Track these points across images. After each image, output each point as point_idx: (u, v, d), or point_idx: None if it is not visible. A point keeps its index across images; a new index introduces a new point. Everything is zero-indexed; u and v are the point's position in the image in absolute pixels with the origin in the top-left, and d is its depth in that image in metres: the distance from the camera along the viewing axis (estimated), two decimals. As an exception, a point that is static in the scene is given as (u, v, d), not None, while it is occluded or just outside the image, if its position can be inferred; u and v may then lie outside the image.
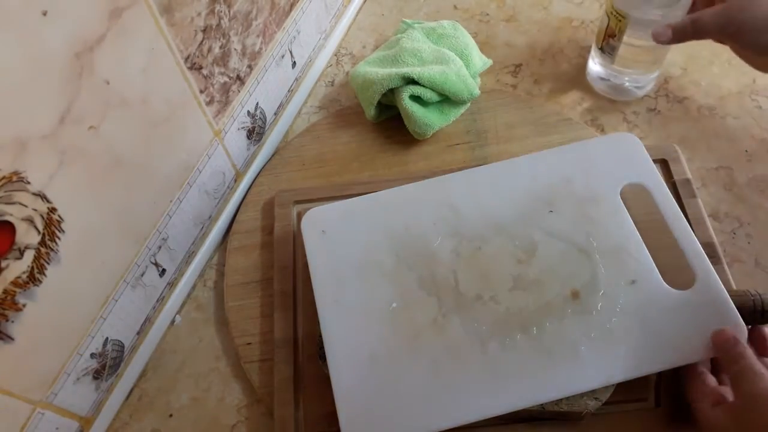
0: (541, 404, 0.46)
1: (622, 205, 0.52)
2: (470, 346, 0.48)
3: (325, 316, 0.50)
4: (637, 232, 0.51)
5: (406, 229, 0.54)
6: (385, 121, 0.68)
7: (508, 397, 0.46)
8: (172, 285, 0.59)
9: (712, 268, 0.48)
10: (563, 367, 0.46)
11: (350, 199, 0.56)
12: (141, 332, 0.56)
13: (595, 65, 0.68)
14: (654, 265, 0.49)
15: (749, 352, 0.43)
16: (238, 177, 0.65)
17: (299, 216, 0.61)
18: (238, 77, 0.59)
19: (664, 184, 0.53)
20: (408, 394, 0.47)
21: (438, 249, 0.52)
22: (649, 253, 0.50)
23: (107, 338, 0.51)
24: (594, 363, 0.46)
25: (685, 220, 0.51)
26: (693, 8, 0.58)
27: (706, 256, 0.49)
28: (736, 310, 0.46)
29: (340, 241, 0.54)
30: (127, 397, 0.55)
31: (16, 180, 0.38)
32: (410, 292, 0.51)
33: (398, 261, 0.52)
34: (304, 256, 0.58)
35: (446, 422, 0.46)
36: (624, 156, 0.55)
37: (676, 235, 0.50)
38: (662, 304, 0.48)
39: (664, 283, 0.48)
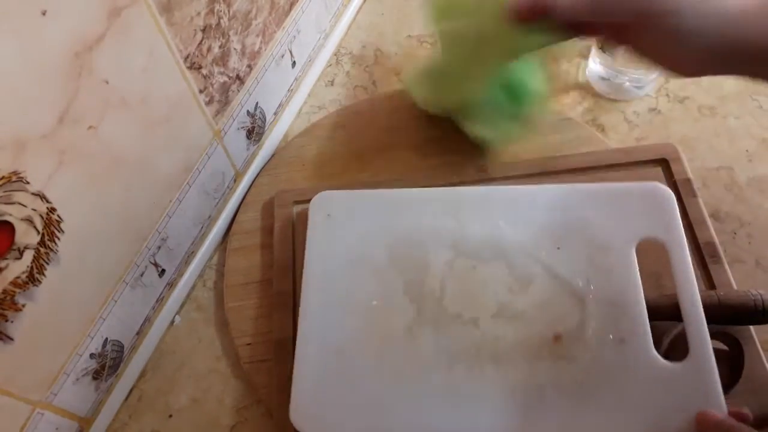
0: None
1: (634, 258, 0.49)
2: (437, 362, 0.48)
3: (306, 297, 0.51)
4: (642, 291, 0.48)
5: (407, 231, 0.53)
6: (385, 122, 0.68)
7: (462, 422, 0.45)
8: (171, 285, 0.59)
9: (711, 349, 0.45)
10: (524, 410, 0.45)
11: (363, 191, 0.57)
12: (140, 332, 0.56)
13: (595, 65, 0.68)
14: (649, 329, 0.47)
15: (736, 423, 0.41)
16: (237, 177, 0.64)
17: (299, 216, 0.61)
18: (238, 77, 0.59)
19: (686, 246, 0.49)
20: (365, 395, 0.47)
21: (433, 258, 0.52)
22: (647, 316, 0.47)
23: (107, 338, 0.51)
24: (557, 413, 0.45)
25: (696, 291, 0.47)
26: None
27: (708, 334, 0.45)
28: (722, 395, 0.43)
29: (342, 227, 0.54)
30: (127, 398, 0.55)
31: (15, 180, 0.38)
32: (394, 293, 0.51)
33: (391, 261, 0.52)
34: (304, 256, 0.58)
35: (396, 430, 0.46)
36: (651, 208, 0.51)
37: (682, 305, 0.46)
38: (647, 372, 0.45)
39: (654, 350, 0.46)
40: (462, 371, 0.47)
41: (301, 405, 0.47)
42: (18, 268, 0.40)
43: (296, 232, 0.60)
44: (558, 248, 0.51)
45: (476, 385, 0.47)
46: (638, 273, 0.49)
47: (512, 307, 0.49)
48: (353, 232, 0.54)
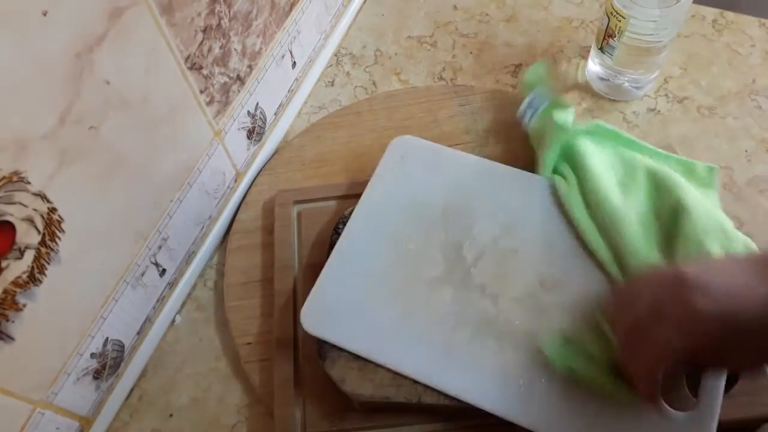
0: None
1: None
2: (444, 320, 0.50)
3: (354, 221, 0.55)
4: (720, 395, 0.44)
5: (468, 196, 0.55)
6: (385, 122, 0.68)
7: (448, 380, 0.47)
8: (172, 285, 0.59)
9: (719, 407, 0.43)
10: (507, 393, 0.46)
11: (442, 146, 0.59)
12: (141, 332, 0.56)
13: (594, 65, 0.68)
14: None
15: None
16: (238, 177, 0.65)
17: (299, 216, 0.61)
18: (238, 77, 0.59)
19: None
20: (374, 321, 0.50)
21: (481, 229, 0.54)
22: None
23: (107, 338, 0.51)
24: (536, 407, 0.45)
25: None
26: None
27: (722, 392, 0.43)
28: None
29: (410, 172, 0.58)
30: (128, 397, 0.55)
31: (16, 180, 0.38)
32: (432, 246, 0.53)
33: (441, 217, 0.55)
34: (305, 255, 0.58)
35: (387, 360, 0.48)
36: None
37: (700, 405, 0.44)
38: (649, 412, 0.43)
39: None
40: (464, 337, 0.49)
41: (314, 310, 0.51)
42: (19, 267, 0.40)
43: (297, 231, 0.60)
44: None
45: (472, 354, 0.48)
46: None
47: (535, 298, 0.50)
48: (418, 179, 0.57)
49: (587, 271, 0.51)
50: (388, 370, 0.48)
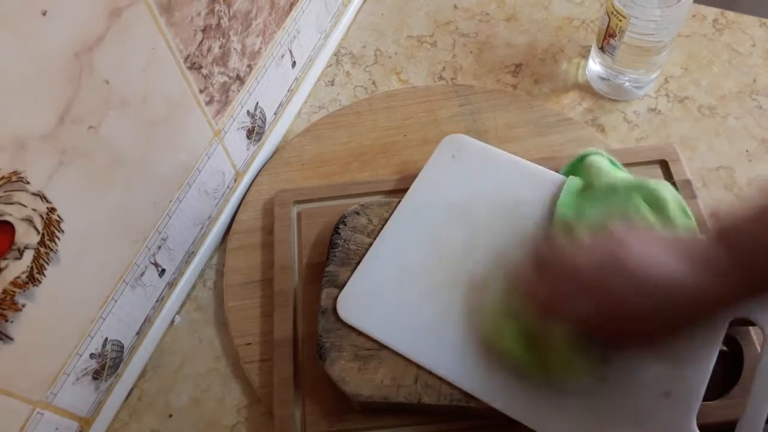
0: None
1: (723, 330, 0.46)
2: (475, 320, 0.49)
3: (398, 215, 0.55)
4: (712, 361, 0.45)
5: (516, 202, 0.54)
6: (385, 122, 0.68)
7: (481, 386, 0.47)
8: (171, 285, 0.59)
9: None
10: (541, 404, 0.46)
11: (495, 148, 0.59)
12: (140, 332, 0.56)
13: (595, 65, 0.68)
14: (701, 395, 0.44)
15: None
16: (237, 177, 0.64)
17: (299, 216, 0.61)
18: (238, 77, 0.59)
19: None
20: (409, 314, 0.50)
21: (527, 236, 0.53)
22: (706, 379, 0.45)
23: (107, 338, 0.51)
24: (565, 418, 0.45)
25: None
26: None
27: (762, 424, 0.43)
28: None
29: (459, 171, 0.57)
30: (127, 398, 0.55)
31: (15, 180, 0.38)
32: (474, 247, 0.53)
33: (488, 220, 0.54)
34: (305, 255, 0.58)
35: (420, 358, 0.48)
36: None
37: (754, 387, 0.44)
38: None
39: (694, 421, 0.44)
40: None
41: (351, 298, 0.52)
42: (18, 268, 0.40)
43: (297, 231, 0.60)
44: None
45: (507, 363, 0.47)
46: (719, 345, 0.46)
47: None
48: (467, 179, 0.57)
49: None
50: (420, 367, 0.48)
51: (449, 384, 0.48)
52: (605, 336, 0.44)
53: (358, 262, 0.54)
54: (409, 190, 0.57)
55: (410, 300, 0.51)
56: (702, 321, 0.43)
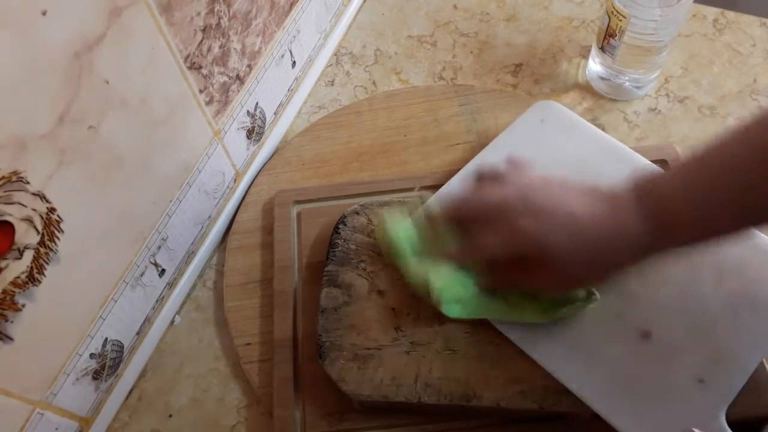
0: (541, 405, 0.46)
1: None
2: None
3: (477, 160, 0.57)
4: (754, 364, 0.45)
5: (593, 175, 0.52)
6: (384, 122, 0.68)
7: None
8: (171, 285, 0.58)
9: None
10: (578, 361, 0.47)
11: (585, 121, 0.59)
12: (140, 332, 0.56)
13: (595, 65, 0.68)
14: (736, 392, 0.44)
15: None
16: (237, 177, 0.64)
17: (299, 216, 0.61)
18: (238, 77, 0.59)
19: None
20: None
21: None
22: (745, 379, 0.45)
23: (106, 338, 0.51)
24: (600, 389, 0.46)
25: None
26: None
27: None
28: None
29: (544, 136, 0.58)
30: (127, 398, 0.55)
31: (15, 180, 0.38)
32: None
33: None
34: (305, 255, 0.58)
35: None
36: None
37: None
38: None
39: (724, 416, 0.44)
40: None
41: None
42: (18, 268, 0.40)
43: (296, 231, 0.60)
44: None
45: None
46: None
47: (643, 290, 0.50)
48: (551, 144, 0.57)
49: (688, 272, 0.50)
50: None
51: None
52: (518, 276, 0.47)
53: (362, 261, 0.54)
54: (489, 144, 0.58)
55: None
56: (610, 267, 0.44)
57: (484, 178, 0.49)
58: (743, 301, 0.48)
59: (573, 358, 0.47)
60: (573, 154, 0.57)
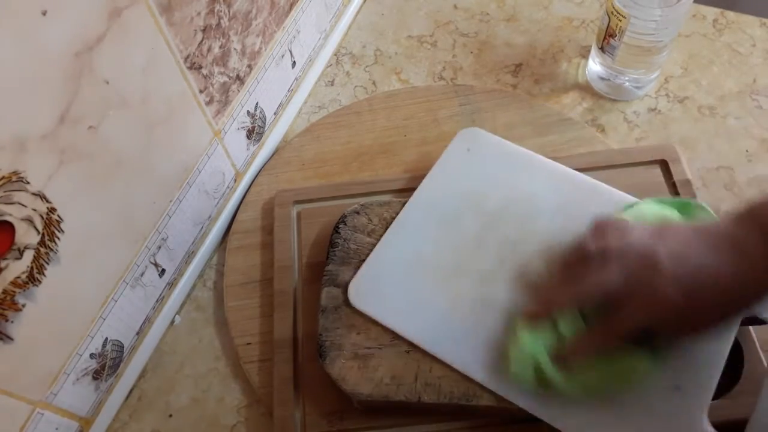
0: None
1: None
2: (493, 314, 0.49)
3: (411, 206, 0.56)
4: (724, 357, 0.45)
5: (529, 197, 0.55)
6: (384, 122, 0.68)
7: (490, 377, 0.47)
8: (171, 285, 0.59)
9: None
10: (546, 396, 0.45)
11: (509, 143, 0.59)
12: (140, 332, 0.56)
13: (595, 65, 0.68)
14: (712, 391, 0.44)
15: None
16: (237, 177, 0.64)
17: (299, 216, 0.61)
18: (238, 77, 0.59)
19: None
20: (420, 302, 0.51)
21: (539, 230, 0.53)
22: (717, 375, 0.45)
23: (107, 338, 0.51)
24: (571, 409, 0.45)
25: None
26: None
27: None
28: None
29: (473, 164, 0.58)
30: (127, 398, 0.55)
31: (15, 180, 0.38)
32: (486, 239, 0.53)
33: (500, 213, 0.54)
34: (305, 255, 0.58)
35: (431, 347, 0.48)
36: None
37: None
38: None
39: (706, 418, 0.44)
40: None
41: (362, 285, 0.52)
42: (18, 268, 0.40)
43: (296, 231, 0.60)
44: None
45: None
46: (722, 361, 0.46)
47: None
48: (482, 172, 0.57)
49: None
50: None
51: (458, 373, 0.48)
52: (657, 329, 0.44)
53: (362, 261, 0.54)
54: (423, 181, 0.57)
55: (421, 288, 0.51)
56: (743, 305, 0.42)
57: (573, 259, 0.46)
58: None
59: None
60: (505, 178, 0.57)
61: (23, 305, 0.41)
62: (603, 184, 0.56)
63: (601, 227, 0.46)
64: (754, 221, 0.42)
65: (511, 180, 0.57)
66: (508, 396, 0.46)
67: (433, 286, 0.51)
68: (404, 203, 0.57)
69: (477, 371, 0.47)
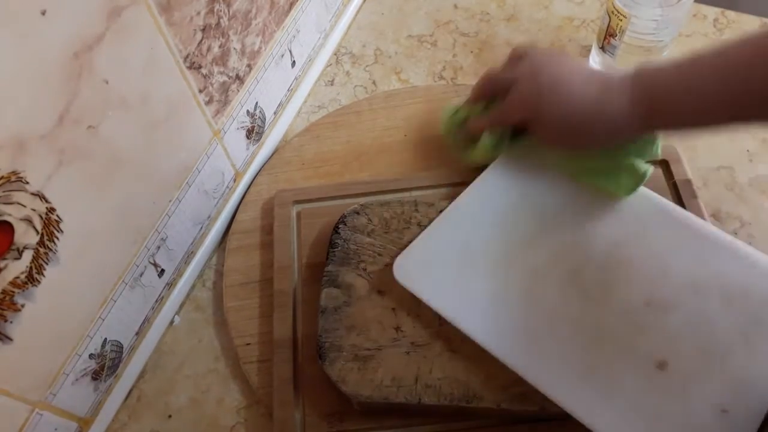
0: (542, 406, 0.46)
1: None
2: (539, 309, 0.50)
3: (475, 187, 0.57)
4: None
5: (591, 200, 0.55)
6: (384, 122, 0.68)
7: (527, 365, 0.47)
8: (170, 285, 0.58)
9: None
10: (586, 391, 0.46)
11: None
12: (140, 333, 0.55)
13: (595, 65, 0.68)
14: (761, 419, 0.43)
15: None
16: (237, 177, 0.64)
17: (299, 216, 0.61)
18: (238, 76, 0.59)
19: None
20: (467, 287, 0.51)
21: (596, 235, 0.53)
22: (762, 412, 0.44)
23: (106, 339, 0.51)
24: (613, 409, 0.45)
25: None
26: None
27: None
28: None
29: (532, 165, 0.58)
30: (126, 398, 0.55)
31: (14, 180, 0.38)
32: (541, 236, 0.53)
33: (559, 212, 0.55)
34: (304, 255, 0.58)
35: (471, 331, 0.48)
36: None
37: None
38: None
39: None
40: (555, 332, 0.49)
41: (409, 262, 0.52)
42: (17, 268, 0.40)
43: (296, 231, 0.60)
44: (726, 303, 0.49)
45: (558, 349, 0.48)
46: None
47: (638, 316, 0.49)
48: (540, 172, 0.57)
49: (695, 298, 0.49)
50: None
51: (503, 367, 0.47)
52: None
53: (362, 261, 0.54)
54: (488, 167, 0.58)
55: (468, 276, 0.51)
56: (593, 139, 0.51)
57: (513, 58, 0.56)
58: (752, 324, 0.47)
59: (588, 392, 0.46)
60: (573, 182, 0.56)
61: (22, 305, 0.41)
62: (653, 192, 0.55)
63: (511, 58, 0.57)
64: (631, 72, 0.49)
65: (569, 184, 0.56)
66: (546, 390, 0.46)
67: (482, 275, 0.51)
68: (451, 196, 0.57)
69: (518, 363, 0.47)
